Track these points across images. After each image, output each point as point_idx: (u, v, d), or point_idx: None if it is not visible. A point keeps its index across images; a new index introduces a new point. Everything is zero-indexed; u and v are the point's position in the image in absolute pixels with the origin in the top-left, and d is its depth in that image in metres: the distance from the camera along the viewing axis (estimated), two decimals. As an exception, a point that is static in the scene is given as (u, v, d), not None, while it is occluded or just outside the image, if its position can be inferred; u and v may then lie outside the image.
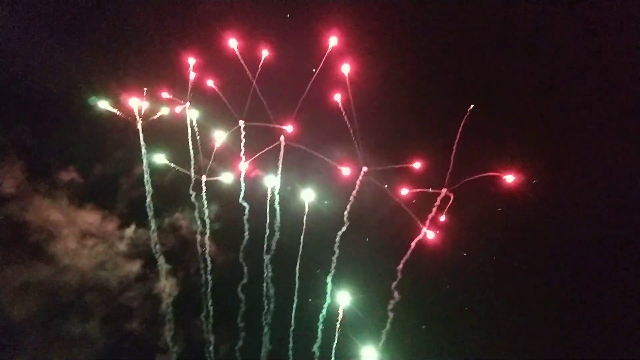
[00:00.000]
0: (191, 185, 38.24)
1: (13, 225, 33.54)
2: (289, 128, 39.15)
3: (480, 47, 39.58)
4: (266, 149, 38.66)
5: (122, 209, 37.26)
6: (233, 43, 38.51)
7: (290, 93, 39.31)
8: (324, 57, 38.26)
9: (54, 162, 35.60)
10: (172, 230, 38.38)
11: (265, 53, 38.84)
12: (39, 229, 34.05)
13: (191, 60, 39.11)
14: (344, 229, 39.43)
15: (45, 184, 34.81)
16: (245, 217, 39.77)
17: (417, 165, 38.42)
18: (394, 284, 39.49)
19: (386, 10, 39.42)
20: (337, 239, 39.76)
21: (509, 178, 36.73)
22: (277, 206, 39.85)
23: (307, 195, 38.96)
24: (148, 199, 36.68)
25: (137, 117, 36.28)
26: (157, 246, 37.28)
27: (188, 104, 38.32)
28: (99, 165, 36.85)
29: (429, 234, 37.29)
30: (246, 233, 39.98)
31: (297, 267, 39.13)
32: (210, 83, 39.28)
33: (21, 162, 34.29)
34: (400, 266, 39.61)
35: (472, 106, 38.24)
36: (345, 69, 38.13)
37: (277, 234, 40.21)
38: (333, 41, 37.85)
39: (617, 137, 38.58)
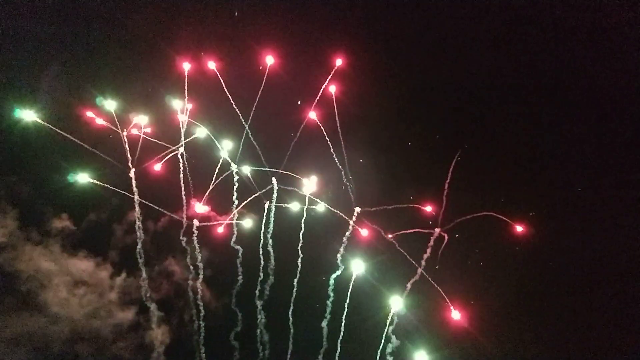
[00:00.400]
0: (182, 230, 38.09)
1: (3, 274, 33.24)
2: (311, 181, 38.94)
3: (475, 84, 40.27)
4: (259, 192, 38.79)
5: (114, 257, 36.88)
6: (212, 65, 38.33)
7: (284, 128, 39.55)
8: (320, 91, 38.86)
9: (46, 209, 35.48)
10: (165, 277, 37.93)
11: (270, 60, 38.33)
12: (31, 278, 33.70)
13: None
14: (338, 272, 39.06)
15: (37, 232, 34.66)
16: (238, 260, 39.38)
17: (428, 208, 38.68)
18: (390, 328, 38.93)
19: (378, 51, 40.47)
20: (332, 281, 39.38)
21: (518, 228, 37.28)
22: (270, 249, 39.56)
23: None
24: (139, 247, 36.46)
25: (130, 165, 36.45)
26: (148, 294, 36.75)
27: (182, 149, 38.51)
28: (92, 213, 36.65)
29: (455, 314, 36.66)
30: (239, 276, 39.50)
31: (290, 312, 38.60)
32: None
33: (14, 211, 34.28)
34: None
35: (465, 146, 38.78)
36: (332, 88, 38.76)
37: (272, 278, 39.73)
38: (338, 61, 38.60)
39: (608, 171, 38.89)
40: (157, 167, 37.95)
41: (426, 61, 39.82)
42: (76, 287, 35.08)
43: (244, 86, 39.40)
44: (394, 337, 38.66)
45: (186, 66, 38.69)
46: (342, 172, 39.13)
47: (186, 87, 38.71)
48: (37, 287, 34.10)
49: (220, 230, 38.85)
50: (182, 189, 37.78)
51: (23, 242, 33.97)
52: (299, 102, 39.42)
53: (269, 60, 38.60)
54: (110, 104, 36.82)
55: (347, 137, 39.35)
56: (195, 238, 38.00)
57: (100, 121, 36.67)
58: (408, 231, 39.44)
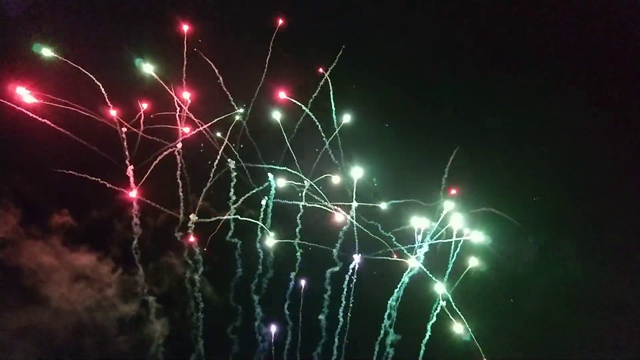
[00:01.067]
0: (177, 227, 38.36)
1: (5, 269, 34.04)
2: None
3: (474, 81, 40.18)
4: (255, 190, 38.94)
5: (115, 252, 37.33)
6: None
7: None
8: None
9: (47, 205, 36.00)
10: (164, 272, 38.43)
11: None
12: (31, 273, 34.45)
13: (185, 95, 37.98)
14: (336, 268, 39.35)
15: (38, 228, 35.29)
16: (237, 252, 39.75)
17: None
18: (389, 322, 39.31)
19: (376, 45, 40.14)
20: (328, 274, 39.75)
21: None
22: (268, 244, 39.85)
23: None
24: (134, 243, 36.73)
25: (128, 163, 36.64)
26: (146, 289, 37.36)
27: (180, 145, 38.62)
28: (93, 209, 37.07)
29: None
30: (239, 269, 39.95)
31: (285, 306, 39.04)
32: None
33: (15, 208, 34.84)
34: (396, 304, 39.46)
35: (457, 148, 39.06)
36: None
37: (271, 272, 40.17)
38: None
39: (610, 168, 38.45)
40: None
41: (423, 57, 39.56)
42: (77, 281, 35.83)
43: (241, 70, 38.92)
44: (391, 330, 39.10)
45: (185, 28, 35.33)
46: (339, 168, 39.21)
47: (185, 63, 36.63)
48: (40, 282, 34.89)
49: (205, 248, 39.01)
50: (180, 185, 38.17)
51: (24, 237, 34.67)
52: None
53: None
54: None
55: (343, 132, 39.27)
56: (191, 232, 38.35)
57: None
58: (406, 227, 39.50)
